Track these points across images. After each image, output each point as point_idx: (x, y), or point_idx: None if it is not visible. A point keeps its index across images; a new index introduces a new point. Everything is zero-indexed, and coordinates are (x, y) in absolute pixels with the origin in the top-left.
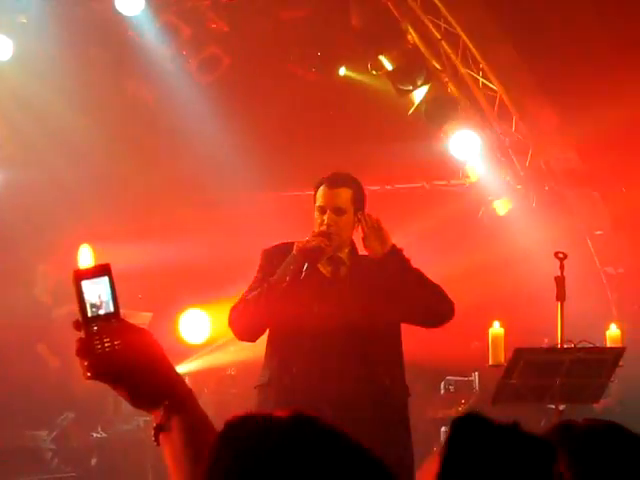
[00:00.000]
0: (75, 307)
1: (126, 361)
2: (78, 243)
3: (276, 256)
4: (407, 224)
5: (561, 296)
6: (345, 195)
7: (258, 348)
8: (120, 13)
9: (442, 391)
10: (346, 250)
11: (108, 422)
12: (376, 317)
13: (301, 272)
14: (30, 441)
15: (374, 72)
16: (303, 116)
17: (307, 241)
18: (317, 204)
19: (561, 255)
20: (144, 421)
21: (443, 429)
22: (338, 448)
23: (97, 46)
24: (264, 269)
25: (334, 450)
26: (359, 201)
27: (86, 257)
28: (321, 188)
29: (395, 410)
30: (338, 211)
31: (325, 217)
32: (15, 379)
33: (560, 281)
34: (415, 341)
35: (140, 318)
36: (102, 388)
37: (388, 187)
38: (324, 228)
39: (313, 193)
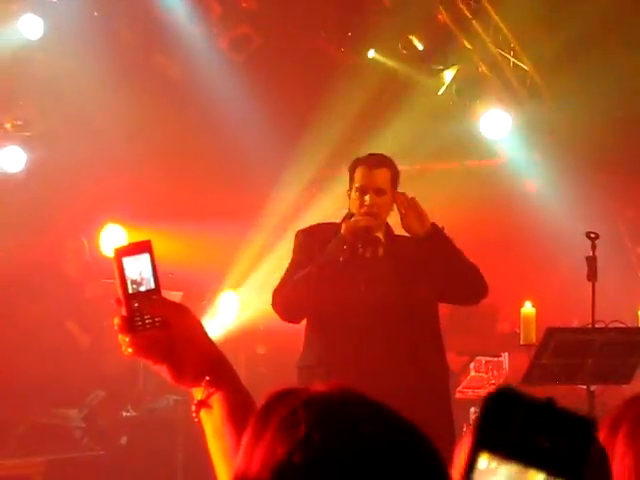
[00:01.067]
0: (113, 283)
1: (167, 337)
2: (106, 221)
3: (315, 237)
4: (438, 204)
5: (593, 276)
6: (385, 175)
7: (286, 326)
8: None
9: (472, 372)
10: (382, 231)
11: (138, 401)
12: (416, 296)
13: (355, 252)
14: (60, 419)
15: (404, 52)
16: (333, 96)
17: (356, 221)
18: (357, 184)
19: (593, 235)
20: (174, 400)
21: (472, 410)
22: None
23: (127, 25)
24: (304, 250)
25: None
26: (396, 181)
27: (113, 236)
28: (360, 169)
29: (437, 392)
30: (379, 191)
31: (367, 197)
32: (46, 357)
33: (592, 261)
34: (444, 321)
35: (169, 297)
36: (132, 366)
37: (417, 167)
38: (367, 209)
39: (349, 173)
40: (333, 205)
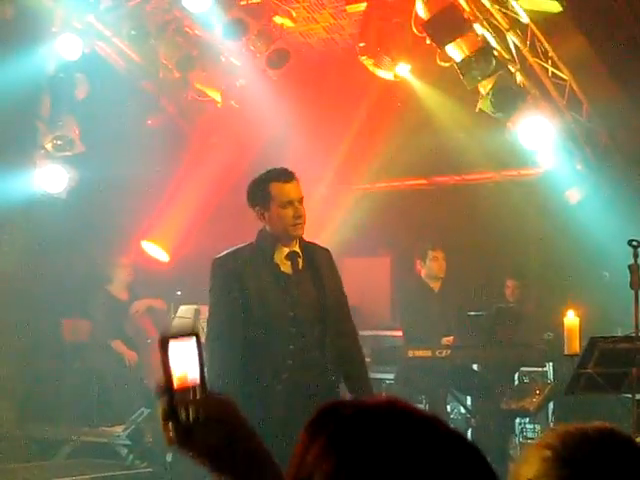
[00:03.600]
0: (156, 300)
1: (208, 434)
2: (147, 239)
3: (230, 265)
4: (478, 215)
5: (636, 284)
6: (299, 186)
7: None
8: (187, 9)
9: (516, 382)
10: (297, 242)
11: None
12: (330, 301)
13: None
14: (105, 437)
15: (442, 64)
16: (371, 108)
17: (295, 229)
18: (284, 198)
19: (635, 243)
20: None
21: (518, 420)
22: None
23: (163, 42)
24: (223, 280)
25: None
26: None
27: (154, 254)
28: (276, 184)
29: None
30: (301, 201)
31: (298, 208)
32: (92, 375)
33: (635, 269)
34: (488, 332)
35: (184, 312)
36: None
37: (457, 178)
38: (302, 218)
39: (257, 193)
40: (371, 216)
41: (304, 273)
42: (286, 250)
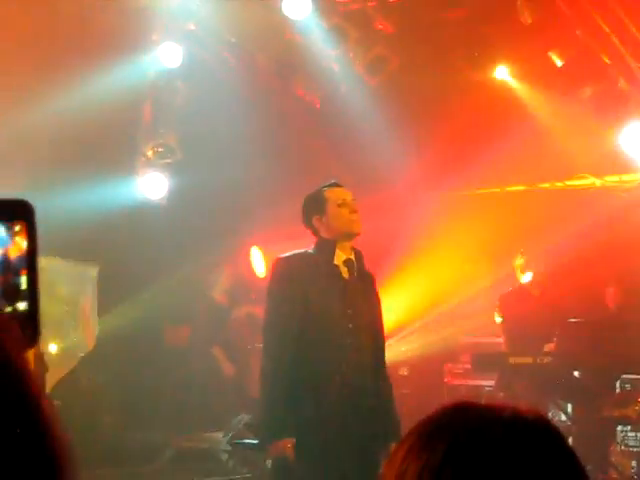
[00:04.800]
0: (257, 308)
1: None
2: (252, 245)
3: (294, 266)
4: (578, 221)
5: None
6: (351, 194)
7: (430, 348)
8: (287, 17)
9: (618, 389)
10: (353, 253)
11: None
12: (376, 316)
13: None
14: (206, 442)
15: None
16: (468, 116)
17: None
18: (338, 202)
19: None
20: None
21: (619, 428)
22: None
23: (263, 49)
24: (286, 280)
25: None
26: None
27: (256, 260)
28: (329, 190)
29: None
30: (354, 205)
31: (351, 208)
32: (193, 381)
33: None
34: (590, 339)
35: None
36: None
37: (559, 184)
38: (357, 215)
39: (313, 205)
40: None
41: (358, 282)
42: (343, 256)
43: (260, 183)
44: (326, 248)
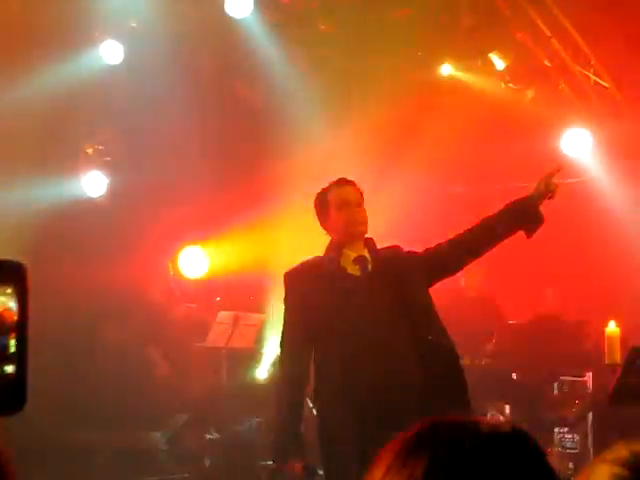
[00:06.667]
0: (196, 308)
1: None
2: (187, 243)
3: (303, 277)
4: None
5: None
6: (356, 190)
7: None
8: (229, 15)
9: (556, 391)
10: (366, 248)
11: (221, 423)
12: (409, 298)
13: (347, 274)
14: (144, 442)
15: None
16: (410, 116)
17: (355, 224)
18: (338, 202)
19: None
20: (257, 422)
21: (557, 430)
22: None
23: (205, 48)
24: (296, 294)
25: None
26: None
27: (193, 258)
28: (332, 190)
29: (457, 368)
30: (359, 204)
31: (353, 209)
32: (130, 381)
33: None
34: (528, 341)
35: (252, 319)
36: (215, 389)
37: (498, 187)
38: (361, 217)
39: (320, 205)
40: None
41: (376, 276)
42: (353, 254)
43: (200, 182)
44: (332, 251)
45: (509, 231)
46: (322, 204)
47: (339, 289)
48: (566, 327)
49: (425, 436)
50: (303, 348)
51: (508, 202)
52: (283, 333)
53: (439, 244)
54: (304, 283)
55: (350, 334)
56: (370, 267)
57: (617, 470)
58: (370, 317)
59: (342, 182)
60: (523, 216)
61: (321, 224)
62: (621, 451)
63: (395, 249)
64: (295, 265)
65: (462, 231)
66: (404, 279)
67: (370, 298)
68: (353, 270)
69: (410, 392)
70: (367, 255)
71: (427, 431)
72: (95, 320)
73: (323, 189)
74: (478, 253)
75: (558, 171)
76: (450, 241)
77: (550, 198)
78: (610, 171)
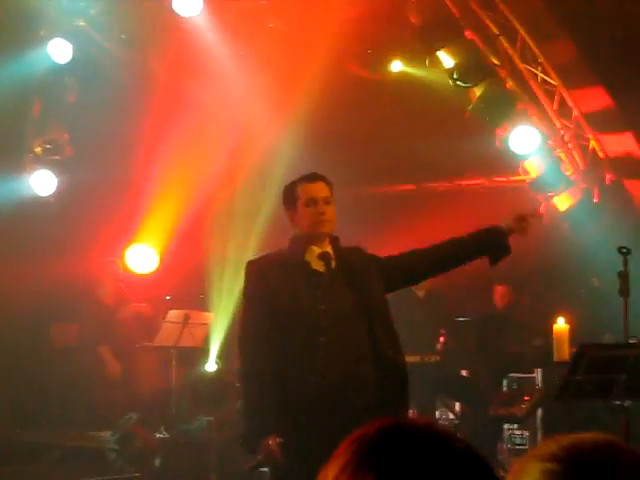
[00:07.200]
0: (145, 307)
1: None
2: (135, 241)
3: (266, 266)
4: (466, 220)
5: (625, 291)
6: (324, 187)
7: None
8: (178, 14)
9: (505, 388)
10: (330, 245)
11: (171, 423)
12: (370, 301)
13: (311, 270)
14: (94, 442)
15: (433, 69)
16: (358, 113)
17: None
18: (305, 198)
19: (624, 250)
20: (207, 421)
21: (506, 426)
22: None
23: (155, 47)
24: (257, 281)
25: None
26: (333, 193)
27: (141, 256)
28: (300, 186)
29: (402, 381)
30: (327, 200)
31: (320, 207)
32: (80, 380)
33: (624, 276)
34: (478, 339)
35: (202, 318)
36: (165, 388)
37: (446, 184)
38: (326, 215)
39: (288, 198)
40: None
41: (338, 274)
42: (317, 250)
43: (149, 181)
44: (297, 245)
45: (477, 254)
46: (290, 197)
47: (303, 283)
48: (516, 324)
49: (379, 444)
50: (267, 339)
51: (481, 228)
52: (244, 324)
53: (403, 253)
54: (268, 274)
55: (311, 327)
56: (334, 264)
57: (548, 466)
58: (331, 313)
59: (312, 178)
60: (494, 245)
61: (287, 216)
62: (550, 446)
63: (357, 250)
64: (258, 256)
65: (431, 245)
66: (364, 279)
67: (332, 294)
68: (317, 266)
69: (363, 392)
70: (331, 252)
71: (382, 437)
72: (44, 320)
73: (293, 182)
74: (446, 268)
75: (533, 216)
76: (417, 252)
77: (521, 235)
78: (557, 168)
